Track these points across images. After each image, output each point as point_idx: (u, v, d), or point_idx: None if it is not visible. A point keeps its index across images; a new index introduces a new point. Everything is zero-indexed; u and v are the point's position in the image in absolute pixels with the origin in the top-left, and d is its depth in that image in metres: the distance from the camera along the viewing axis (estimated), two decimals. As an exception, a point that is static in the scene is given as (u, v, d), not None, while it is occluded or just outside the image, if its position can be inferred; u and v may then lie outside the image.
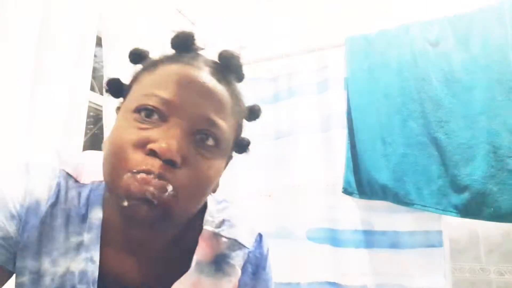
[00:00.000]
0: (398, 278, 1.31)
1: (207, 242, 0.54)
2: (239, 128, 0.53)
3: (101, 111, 1.43)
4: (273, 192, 1.54)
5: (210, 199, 0.57)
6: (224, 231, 0.55)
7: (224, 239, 0.55)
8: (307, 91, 1.54)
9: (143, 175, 0.41)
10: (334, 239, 1.40)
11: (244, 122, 0.56)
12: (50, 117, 1.08)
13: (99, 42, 1.37)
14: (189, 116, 0.44)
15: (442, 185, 1.24)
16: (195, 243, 0.53)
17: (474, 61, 1.23)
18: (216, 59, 0.52)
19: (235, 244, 0.55)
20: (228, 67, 0.53)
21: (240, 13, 2.04)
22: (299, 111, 1.54)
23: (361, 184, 1.37)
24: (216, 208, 0.57)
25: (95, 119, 1.63)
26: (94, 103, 1.54)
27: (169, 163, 0.42)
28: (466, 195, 1.19)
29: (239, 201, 1.58)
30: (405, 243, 1.31)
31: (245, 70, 0.55)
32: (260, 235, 0.58)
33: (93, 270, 0.48)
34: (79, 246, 0.49)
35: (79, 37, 1.20)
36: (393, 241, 1.33)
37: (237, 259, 0.54)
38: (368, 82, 1.39)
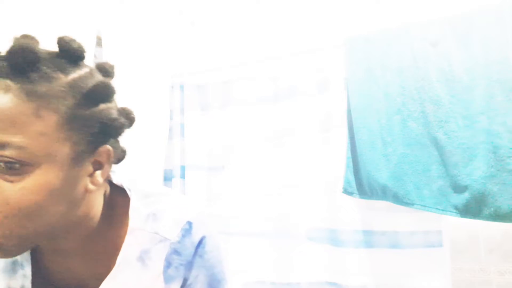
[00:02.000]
0: (398, 278, 1.31)
1: (132, 239, 0.54)
2: (74, 118, 0.45)
3: (101, 111, 1.43)
4: (273, 192, 1.54)
5: (136, 194, 0.57)
6: (148, 226, 0.54)
7: (147, 234, 0.54)
8: (307, 91, 1.54)
9: None
10: (334, 239, 1.40)
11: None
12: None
13: (99, 42, 1.37)
14: None
15: (442, 185, 1.24)
16: (122, 241, 0.54)
17: (474, 61, 1.23)
18: None
19: (157, 237, 0.54)
20: (63, 54, 0.48)
21: (240, 13, 2.04)
22: (299, 111, 1.54)
23: (361, 184, 1.37)
24: (143, 202, 0.56)
25: (95, 119, 1.63)
26: (94, 103, 1.54)
27: None
28: (466, 195, 1.19)
29: (239, 201, 1.58)
30: (405, 243, 1.31)
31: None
32: (189, 223, 0.55)
33: (28, 284, 0.54)
34: (15, 265, 0.54)
35: (79, 37, 1.20)
36: (393, 241, 1.33)
37: (159, 252, 0.53)
38: (368, 82, 1.39)
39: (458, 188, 1.21)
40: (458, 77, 1.25)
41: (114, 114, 0.50)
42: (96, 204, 0.53)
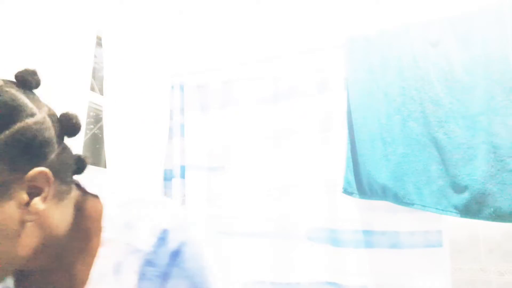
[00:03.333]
0: (398, 278, 1.31)
1: (107, 250, 0.51)
2: (14, 141, 0.42)
3: (101, 111, 1.43)
4: (273, 192, 1.54)
5: (112, 202, 0.54)
6: (122, 236, 0.51)
7: (120, 245, 0.51)
8: (307, 91, 1.54)
9: None
10: (334, 239, 1.40)
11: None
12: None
13: (99, 42, 1.38)
14: None
15: (442, 185, 1.24)
16: (96, 254, 0.51)
17: (474, 61, 1.23)
18: None
19: (129, 248, 0.51)
20: None
21: (240, 13, 2.04)
22: (299, 111, 1.54)
23: (361, 184, 1.37)
24: (117, 211, 0.53)
25: (95, 119, 1.63)
26: (94, 103, 1.54)
27: None
28: (466, 195, 1.19)
29: (239, 201, 1.58)
30: (405, 243, 1.31)
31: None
32: (165, 231, 0.51)
33: None
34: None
35: (79, 37, 1.20)
36: (393, 241, 1.33)
37: (131, 264, 0.50)
38: (368, 82, 1.39)
39: (458, 188, 1.21)
40: (458, 77, 1.25)
41: (32, 131, 0.44)
42: (62, 220, 0.50)
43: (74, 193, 0.54)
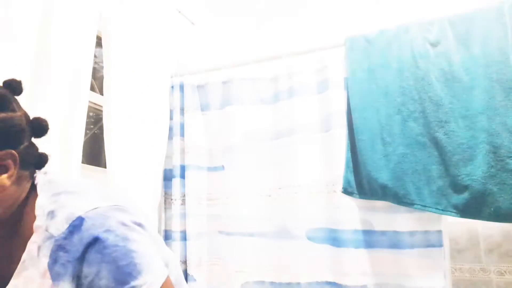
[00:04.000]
0: (398, 278, 1.31)
1: (35, 236, 0.56)
2: None
3: (101, 111, 1.43)
4: (273, 192, 1.54)
5: (46, 192, 0.59)
6: (45, 223, 0.56)
7: (43, 231, 0.55)
8: (307, 91, 1.54)
9: None
10: (334, 239, 1.40)
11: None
12: (50, 117, 1.07)
13: (99, 42, 1.37)
14: None
15: (442, 185, 1.24)
16: (28, 239, 0.57)
17: (474, 61, 1.24)
18: None
19: (47, 234, 0.55)
20: None
21: (240, 13, 2.04)
22: (299, 111, 1.54)
23: (361, 184, 1.38)
24: (49, 200, 0.58)
25: (95, 119, 1.63)
26: (94, 103, 1.54)
27: None
28: (466, 195, 1.19)
29: (238, 201, 1.58)
30: (405, 243, 1.31)
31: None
32: (80, 219, 0.54)
33: None
34: None
35: (79, 37, 1.20)
36: (393, 241, 1.33)
37: (46, 249, 0.54)
38: (368, 82, 1.39)
39: (458, 188, 1.21)
40: (458, 77, 1.25)
41: (14, 121, 0.57)
42: (7, 205, 0.58)
43: (30, 182, 0.62)
